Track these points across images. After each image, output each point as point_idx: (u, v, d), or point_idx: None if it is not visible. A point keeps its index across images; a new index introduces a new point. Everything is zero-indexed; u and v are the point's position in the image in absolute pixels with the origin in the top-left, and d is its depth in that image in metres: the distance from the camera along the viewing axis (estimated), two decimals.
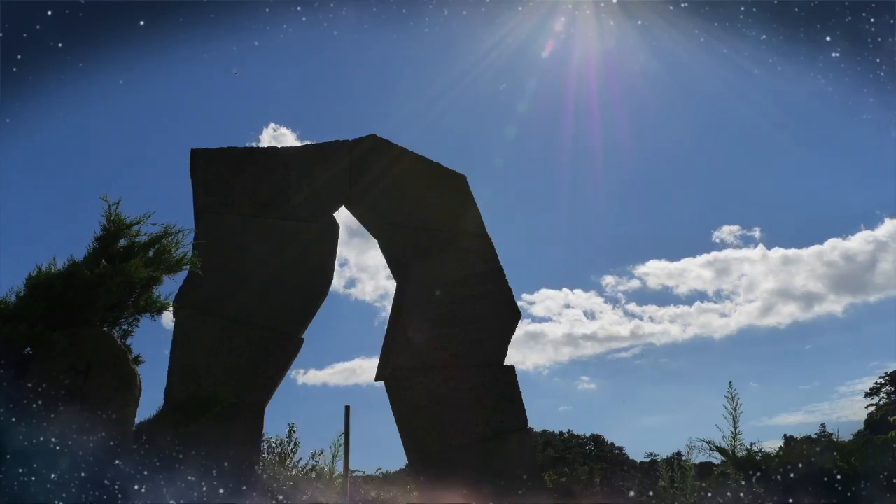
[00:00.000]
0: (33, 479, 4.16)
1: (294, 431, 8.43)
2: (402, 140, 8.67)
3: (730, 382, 7.03)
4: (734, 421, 6.77)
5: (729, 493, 5.85)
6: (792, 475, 5.65)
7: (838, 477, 5.52)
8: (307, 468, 8.28)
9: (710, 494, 6.23)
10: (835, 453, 5.82)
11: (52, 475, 4.24)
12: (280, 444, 8.39)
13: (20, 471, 4.18)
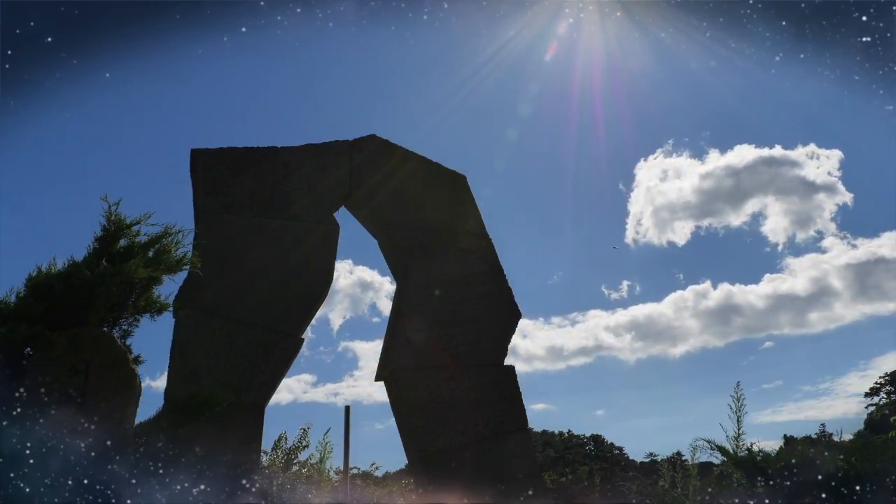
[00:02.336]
0: (33, 479, 4.15)
1: (307, 432, 8.54)
2: (402, 140, 8.68)
3: (738, 382, 6.98)
4: (738, 421, 6.71)
5: (737, 500, 5.82)
6: (796, 478, 5.60)
7: (850, 482, 5.45)
8: (306, 469, 8.32)
9: (716, 502, 6.19)
10: (841, 456, 5.75)
11: (52, 475, 4.24)
12: (288, 443, 8.47)
13: (20, 471, 4.17)
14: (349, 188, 8.11)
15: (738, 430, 6.68)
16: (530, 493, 7.47)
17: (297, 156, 7.97)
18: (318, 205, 7.89)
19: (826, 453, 5.87)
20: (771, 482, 5.77)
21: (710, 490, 6.43)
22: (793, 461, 5.82)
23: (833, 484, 5.50)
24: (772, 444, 6.77)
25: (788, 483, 5.61)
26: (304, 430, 8.63)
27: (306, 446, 8.50)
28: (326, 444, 8.40)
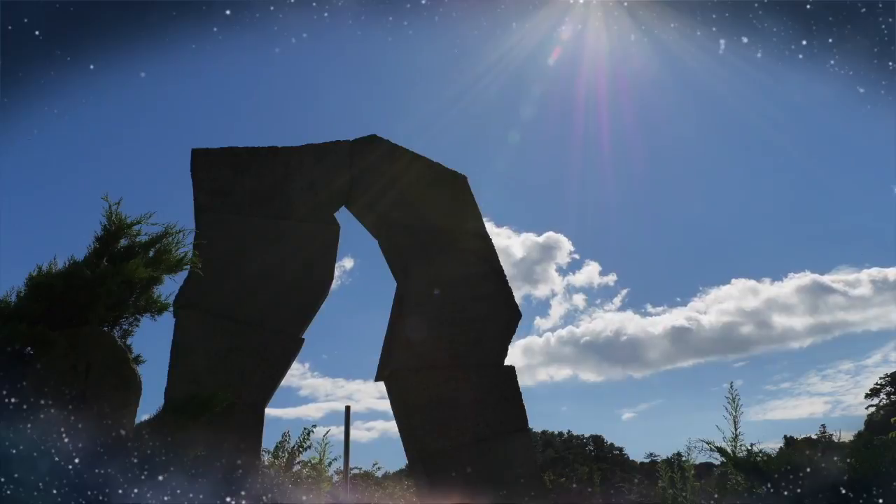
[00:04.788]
0: (32, 479, 4.15)
1: (311, 433, 8.59)
2: (402, 141, 8.67)
3: (731, 383, 6.99)
4: (734, 422, 6.71)
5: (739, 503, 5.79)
6: (801, 482, 5.55)
7: (855, 485, 5.40)
8: (307, 469, 8.34)
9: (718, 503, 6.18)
10: (849, 460, 5.70)
11: (52, 475, 4.23)
12: (290, 444, 8.50)
13: (20, 471, 4.17)
14: (349, 188, 8.11)
15: (736, 430, 6.67)
16: (530, 493, 7.47)
17: (297, 156, 7.97)
18: (319, 205, 7.89)
19: (836, 458, 5.80)
20: (774, 486, 5.73)
21: (715, 496, 6.40)
22: (798, 464, 5.78)
23: (840, 489, 5.44)
24: (763, 444, 6.74)
25: (792, 487, 5.56)
26: (308, 430, 8.66)
27: (308, 447, 8.53)
28: (326, 444, 8.43)
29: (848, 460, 5.69)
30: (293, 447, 8.51)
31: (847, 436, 7.10)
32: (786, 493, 5.55)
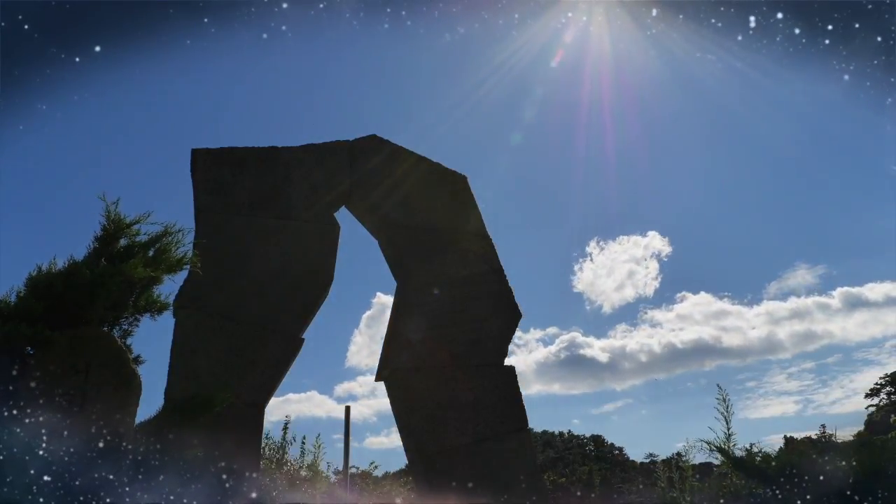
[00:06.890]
0: (32, 479, 4.15)
1: (287, 429, 8.60)
2: (404, 142, 8.67)
3: (717, 385, 7.15)
4: (727, 421, 6.82)
5: None
6: (804, 484, 5.54)
7: (858, 486, 5.38)
8: (302, 468, 8.35)
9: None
10: (854, 462, 5.69)
11: (51, 475, 4.23)
12: (275, 444, 8.51)
13: (19, 471, 4.17)
14: (350, 188, 8.11)
15: (728, 430, 6.78)
16: (531, 494, 7.46)
17: (297, 156, 7.97)
18: (319, 205, 7.89)
19: (843, 462, 5.77)
20: (779, 489, 5.71)
21: (721, 501, 6.40)
22: (801, 466, 5.76)
23: (846, 492, 5.42)
24: (751, 442, 6.89)
25: (797, 490, 5.55)
26: (286, 423, 8.66)
27: (292, 442, 8.55)
28: (320, 445, 8.46)
29: (853, 462, 5.68)
30: (279, 444, 8.52)
31: (842, 435, 7.15)
32: (797, 501, 5.52)
